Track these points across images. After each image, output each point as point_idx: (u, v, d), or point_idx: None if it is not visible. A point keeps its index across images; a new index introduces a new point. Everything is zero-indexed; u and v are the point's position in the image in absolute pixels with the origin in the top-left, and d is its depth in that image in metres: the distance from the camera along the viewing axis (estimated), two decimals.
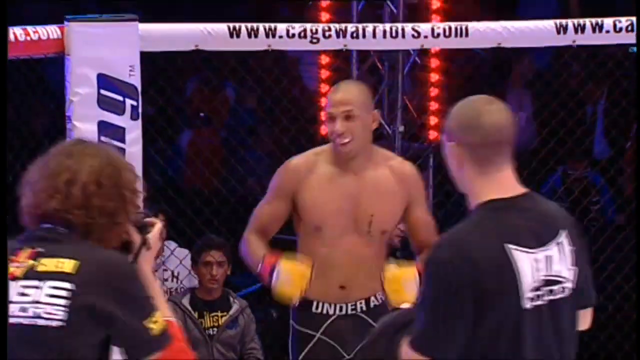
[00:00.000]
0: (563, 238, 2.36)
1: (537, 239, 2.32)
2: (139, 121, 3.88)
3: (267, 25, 3.99)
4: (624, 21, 4.17)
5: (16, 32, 3.62)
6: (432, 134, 5.82)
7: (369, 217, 3.51)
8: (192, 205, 5.29)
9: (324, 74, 5.79)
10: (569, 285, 2.35)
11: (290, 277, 3.36)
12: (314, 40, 4.05)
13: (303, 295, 3.52)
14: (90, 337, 2.18)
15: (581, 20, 4.18)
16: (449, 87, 6.17)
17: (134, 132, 3.87)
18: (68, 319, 2.17)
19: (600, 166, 6.15)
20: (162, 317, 2.24)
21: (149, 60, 3.98)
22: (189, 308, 4.85)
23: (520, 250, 2.28)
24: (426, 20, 5.40)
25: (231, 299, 4.92)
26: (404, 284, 3.36)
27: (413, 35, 4.12)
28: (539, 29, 4.19)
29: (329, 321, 3.56)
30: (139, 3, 6.00)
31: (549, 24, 4.17)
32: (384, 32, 4.11)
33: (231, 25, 3.96)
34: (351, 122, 3.45)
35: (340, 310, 3.56)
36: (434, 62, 5.81)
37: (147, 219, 2.40)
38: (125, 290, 2.20)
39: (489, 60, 6.88)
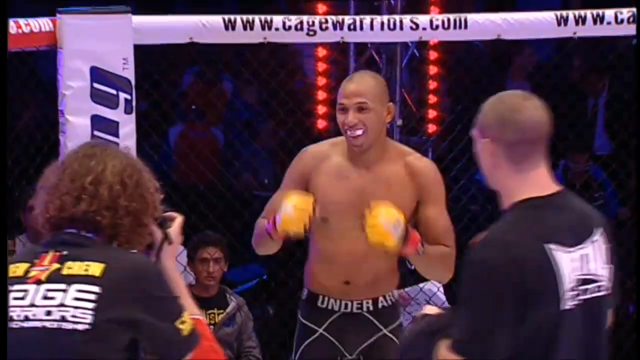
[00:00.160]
0: (598, 236, 2.35)
1: (574, 238, 2.30)
2: (133, 115, 3.87)
3: (262, 17, 3.97)
4: (625, 12, 4.16)
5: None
6: (431, 128, 5.82)
7: None
8: (187, 201, 5.29)
9: (321, 66, 5.78)
10: (604, 283, 2.34)
11: (292, 212, 3.27)
12: (311, 33, 4.03)
13: (311, 290, 3.49)
14: (116, 341, 2.18)
15: (582, 12, 4.17)
16: (448, 79, 6.17)
17: (128, 127, 3.86)
18: (95, 322, 2.17)
19: (602, 160, 6.15)
20: (189, 317, 2.25)
21: (143, 53, 3.97)
22: None
23: (560, 250, 2.27)
24: (424, 12, 5.39)
25: (228, 296, 4.92)
26: (384, 222, 3.23)
27: (411, 28, 4.11)
28: (539, 21, 4.18)
29: (332, 317, 3.51)
30: None
31: (549, 15, 4.16)
32: (382, 24, 4.09)
33: (226, 17, 3.95)
34: (364, 115, 3.37)
35: (345, 307, 3.50)
36: (433, 55, 5.80)
37: (167, 213, 2.41)
38: (152, 294, 2.21)
39: (488, 52, 6.87)
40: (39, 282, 2.22)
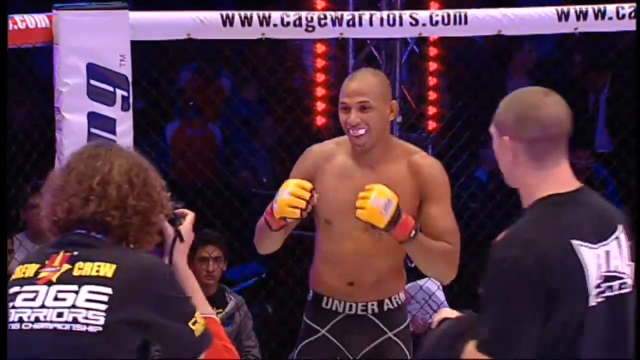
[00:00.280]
0: (620, 233, 2.34)
1: (597, 234, 2.29)
2: (130, 112, 3.86)
3: (261, 13, 3.96)
4: (627, 8, 4.16)
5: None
6: (431, 124, 5.81)
7: None
8: (184, 199, 5.28)
9: (320, 63, 5.78)
10: (627, 281, 2.33)
11: (288, 197, 3.24)
12: (309, 29, 4.03)
13: (316, 291, 3.47)
14: (128, 342, 2.17)
15: (583, 7, 4.16)
16: (447, 76, 6.17)
17: (125, 124, 3.85)
18: (107, 324, 2.16)
19: (603, 158, 6.15)
20: (201, 317, 2.25)
21: (140, 50, 3.97)
22: None
23: (585, 246, 2.26)
24: (424, 7, 5.39)
25: (227, 295, 4.91)
26: (373, 201, 3.16)
27: (411, 23, 4.10)
28: (540, 16, 4.17)
29: (336, 319, 3.48)
30: None
31: (550, 10, 4.16)
32: (381, 19, 4.09)
33: (224, 13, 3.94)
34: (366, 113, 3.33)
35: (350, 309, 3.47)
36: (433, 51, 5.79)
37: (178, 210, 2.40)
38: (164, 295, 2.20)
39: (488, 48, 6.87)
40: (49, 283, 2.21)
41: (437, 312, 5.09)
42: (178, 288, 2.25)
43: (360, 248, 3.40)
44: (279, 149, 6.12)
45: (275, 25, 3.98)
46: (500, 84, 6.58)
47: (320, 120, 5.78)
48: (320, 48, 5.75)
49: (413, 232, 3.23)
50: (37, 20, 3.73)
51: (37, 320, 2.19)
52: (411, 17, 4.11)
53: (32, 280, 2.23)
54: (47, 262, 2.24)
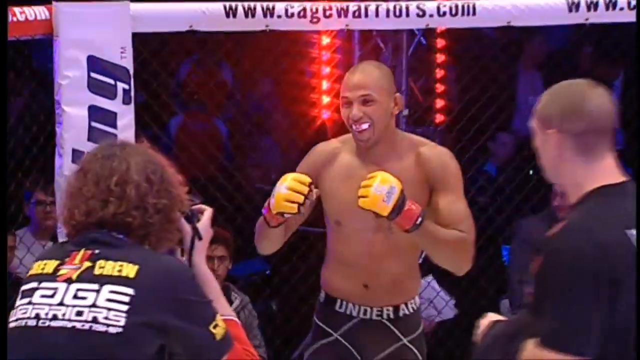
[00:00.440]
0: None
1: None
2: (132, 105, 3.87)
3: (264, 4, 3.96)
4: None
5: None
6: (439, 117, 5.81)
7: None
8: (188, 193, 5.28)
9: (325, 55, 5.78)
10: None
11: (285, 192, 3.20)
12: (314, 20, 4.03)
13: (329, 294, 3.44)
14: (147, 346, 2.18)
15: None
16: (455, 68, 6.16)
17: (126, 117, 3.86)
18: (127, 325, 2.16)
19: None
20: (222, 320, 2.25)
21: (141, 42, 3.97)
22: None
23: (635, 235, 2.27)
24: None
25: (232, 294, 4.90)
26: (375, 188, 3.12)
27: (418, 14, 4.10)
28: (550, 7, 4.17)
29: (350, 323, 3.44)
30: None
31: (561, 1, 4.15)
32: (387, 11, 4.09)
33: (227, 4, 3.94)
34: (369, 107, 3.29)
35: (365, 313, 3.43)
36: (440, 42, 5.80)
37: (195, 207, 2.38)
38: (186, 299, 2.21)
39: (497, 39, 6.86)
40: (69, 280, 2.22)
41: (442, 312, 5.14)
42: (199, 291, 2.25)
43: (373, 249, 3.36)
44: (284, 143, 6.13)
45: (279, 16, 3.98)
46: (511, 76, 6.57)
47: (324, 114, 5.78)
48: (325, 40, 5.75)
49: (419, 219, 3.16)
50: (36, 12, 3.73)
51: (54, 317, 2.19)
52: (418, 7, 4.10)
53: (51, 276, 2.23)
54: (67, 259, 2.24)
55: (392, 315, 3.42)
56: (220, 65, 7.01)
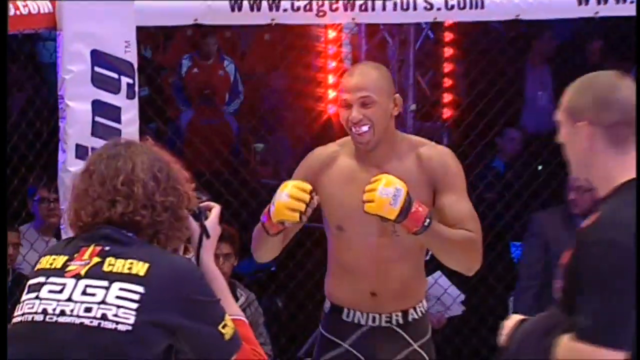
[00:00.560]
0: None
1: None
2: (136, 100, 3.87)
3: None
4: None
5: (8, 2, 3.60)
6: (446, 112, 5.82)
7: None
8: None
9: (331, 49, 5.78)
10: None
11: (287, 200, 3.13)
12: (321, 14, 4.03)
13: (335, 303, 3.38)
14: (155, 345, 2.19)
15: None
16: (463, 62, 6.16)
17: (130, 112, 3.86)
18: (136, 324, 2.17)
19: None
20: (230, 319, 2.26)
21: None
22: None
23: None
24: None
25: (238, 290, 4.91)
26: (381, 191, 3.07)
27: (425, 8, 4.10)
28: (559, 0, 4.17)
29: (359, 332, 3.37)
30: None
31: None
32: (395, 4, 4.08)
33: None
34: (369, 109, 3.23)
35: (374, 321, 3.36)
36: (448, 36, 5.80)
37: (203, 204, 2.38)
38: (195, 299, 2.22)
39: (506, 33, 6.86)
40: (78, 276, 2.22)
41: (450, 308, 5.15)
42: (208, 291, 2.26)
43: (380, 254, 3.31)
44: (293, 139, 6.14)
45: (285, 10, 3.98)
46: (519, 70, 6.57)
47: (331, 109, 5.79)
48: (331, 34, 5.75)
49: (427, 220, 3.13)
50: (39, 5, 3.74)
51: (62, 313, 2.20)
52: (425, 1, 4.09)
53: (60, 272, 2.24)
54: (76, 255, 2.25)
55: (401, 321, 3.37)
56: (222, 59, 7.02)
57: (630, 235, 2.21)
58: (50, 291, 2.22)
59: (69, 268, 2.24)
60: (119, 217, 2.25)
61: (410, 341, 3.36)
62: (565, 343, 2.24)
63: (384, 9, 4.07)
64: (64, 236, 3.63)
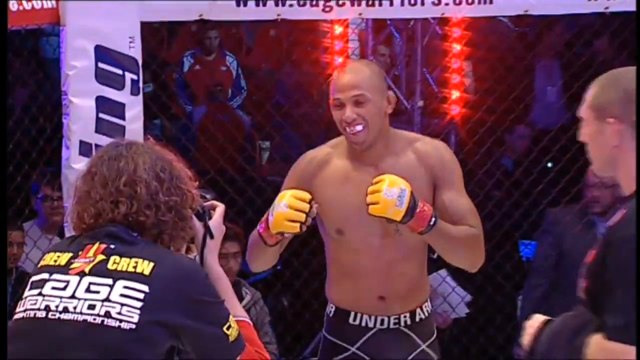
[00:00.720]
0: None
1: None
2: (140, 96, 3.88)
3: None
4: None
5: (8, 2, 3.62)
6: (454, 109, 5.82)
7: None
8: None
9: (337, 45, 5.78)
10: None
11: (286, 210, 3.09)
12: (327, 9, 4.03)
13: (340, 307, 3.35)
14: (158, 344, 2.20)
15: None
16: (472, 58, 6.16)
17: (135, 109, 3.87)
18: (140, 322, 2.18)
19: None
20: (234, 320, 2.28)
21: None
22: None
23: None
24: None
25: (243, 289, 4.91)
26: (385, 193, 3.04)
27: (433, 3, 4.10)
28: None
29: (368, 335, 3.33)
30: None
31: None
32: None
33: None
34: (362, 108, 3.18)
35: (382, 323, 3.32)
36: (456, 32, 5.79)
37: (206, 203, 2.38)
38: (200, 299, 2.23)
39: (515, 29, 6.86)
40: (82, 274, 2.23)
41: (454, 309, 5.15)
42: (213, 292, 2.28)
43: (383, 255, 3.27)
44: (301, 135, 6.14)
45: (291, 5, 3.99)
46: (528, 66, 6.57)
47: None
48: (338, 29, 5.75)
49: (433, 219, 3.11)
50: (43, 0, 3.75)
51: (65, 310, 2.21)
52: None
53: (64, 269, 2.25)
54: (80, 252, 2.26)
55: (409, 322, 3.34)
56: (224, 54, 7.03)
57: None
58: (54, 288, 2.24)
59: (73, 265, 2.25)
60: (123, 217, 2.26)
61: (419, 341, 3.34)
62: (597, 343, 2.23)
63: (391, 4, 4.07)
64: (67, 234, 3.64)
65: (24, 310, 2.26)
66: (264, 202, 4.81)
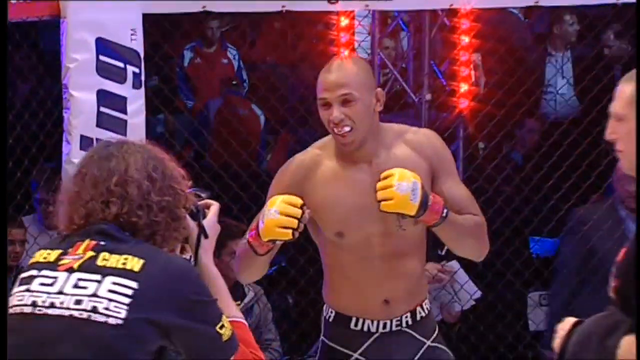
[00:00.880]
0: None
1: None
2: (142, 90, 3.88)
3: None
4: None
5: None
6: (462, 103, 5.80)
7: None
8: (200, 181, 5.30)
9: (344, 37, 5.77)
10: None
11: (277, 217, 3.02)
12: (333, 1, 4.03)
13: (340, 312, 3.29)
14: (146, 342, 2.20)
15: None
16: (481, 51, 6.15)
17: (137, 102, 3.87)
18: (128, 319, 2.19)
19: None
20: (228, 321, 2.27)
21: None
22: None
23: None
24: None
25: (246, 286, 4.92)
26: (397, 187, 2.99)
27: None
28: None
29: (370, 339, 3.28)
30: None
31: None
32: None
33: None
34: (350, 108, 3.11)
35: (384, 327, 3.27)
36: (465, 24, 5.78)
37: (200, 202, 2.37)
38: (191, 299, 2.23)
39: (525, 20, 6.85)
40: (70, 270, 2.24)
41: (467, 302, 5.14)
42: (205, 291, 2.27)
43: (388, 254, 3.22)
44: (301, 132, 6.13)
45: None
46: (539, 59, 6.55)
47: None
48: (343, 21, 5.74)
49: (444, 211, 3.08)
50: None
51: (52, 305, 2.22)
52: None
53: (53, 265, 2.26)
54: (70, 249, 2.27)
55: (410, 322, 3.30)
56: (225, 47, 7.03)
57: None
58: (41, 284, 2.24)
59: (62, 262, 2.26)
60: (114, 217, 2.27)
61: (423, 339, 3.32)
62: (629, 344, 2.23)
63: None
64: None
65: (11, 307, 2.27)
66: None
